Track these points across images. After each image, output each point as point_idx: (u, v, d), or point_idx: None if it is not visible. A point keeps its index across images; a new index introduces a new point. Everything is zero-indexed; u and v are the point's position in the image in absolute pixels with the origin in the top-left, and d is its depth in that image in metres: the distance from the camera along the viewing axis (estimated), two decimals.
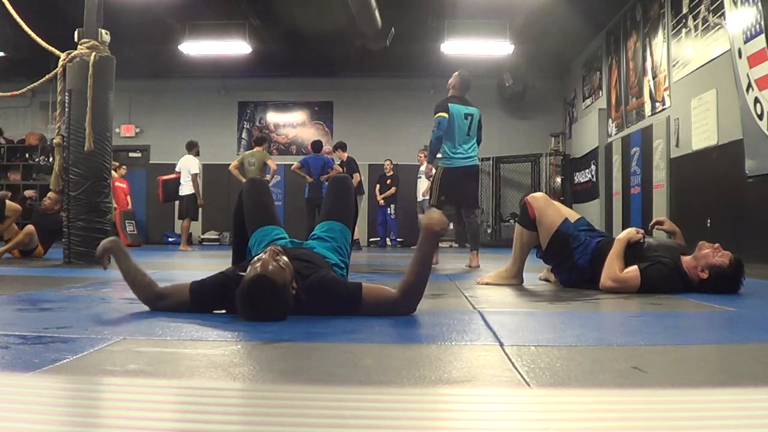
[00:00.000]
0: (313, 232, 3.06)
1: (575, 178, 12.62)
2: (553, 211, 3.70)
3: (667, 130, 8.42)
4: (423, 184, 12.04)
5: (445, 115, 5.83)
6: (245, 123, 14.55)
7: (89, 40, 5.81)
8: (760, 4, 5.87)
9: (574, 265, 3.61)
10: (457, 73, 6.16)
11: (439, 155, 6.05)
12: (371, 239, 13.63)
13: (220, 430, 1.03)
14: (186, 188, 10.09)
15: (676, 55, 8.26)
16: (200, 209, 10.60)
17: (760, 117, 5.95)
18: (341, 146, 11.09)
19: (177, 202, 10.51)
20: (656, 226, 4.00)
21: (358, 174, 10.80)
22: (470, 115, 5.99)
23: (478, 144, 6.15)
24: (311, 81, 14.02)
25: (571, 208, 4.03)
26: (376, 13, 9.42)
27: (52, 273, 4.77)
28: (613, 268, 3.37)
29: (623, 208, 9.94)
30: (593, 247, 3.59)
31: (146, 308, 2.65)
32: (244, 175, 10.10)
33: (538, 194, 3.86)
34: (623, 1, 9.99)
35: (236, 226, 3.18)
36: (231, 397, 1.35)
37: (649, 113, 9.19)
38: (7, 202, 6.89)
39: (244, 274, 2.34)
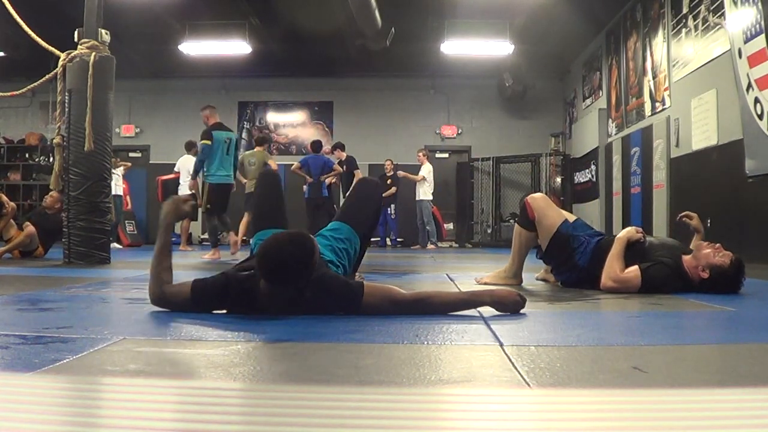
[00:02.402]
0: (320, 230, 3.07)
1: (575, 178, 12.62)
2: (552, 212, 3.71)
3: (667, 130, 8.42)
4: (422, 184, 12.07)
5: (209, 142, 7.31)
6: (245, 123, 14.54)
7: (89, 40, 5.80)
8: (760, 4, 5.87)
9: (574, 266, 3.60)
10: (206, 106, 7.75)
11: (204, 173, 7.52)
12: (371, 239, 13.63)
13: (220, 430, 1.03)
14: (185, 188, 10.08)
15: (676, 55, 8.26)
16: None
17: (760, 117, 5.95)
18: (340, 146, 11.15)
19: None
20: (684, 219, 3.88)
21: (359, 171, 10.89)
22: (229, 139, 7.54)
23: (235, 166, 7.77)
24: (311, 81, 14.01)
25: (571, 208, 4.01)
26: (376, 13, 9.42)
27: (52, 273, 4.77)
28: (613, 268, 3.37)
29: (623, 208, 9.94)
30: (593, 246, 3.58)
31: (146, 308, 2.65)
32: (244, 175, 10.10)
33: (538, 195, 3.87)
34: (623, 1, 9.99)
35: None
36: (231, 397, 1.35)
37: (649, 113, 9.19)
38: (4, 198, 6.89)
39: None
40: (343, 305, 2.41)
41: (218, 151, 7.36)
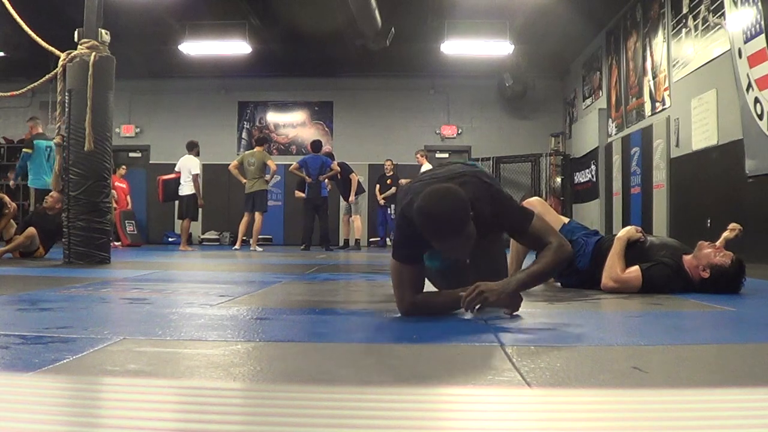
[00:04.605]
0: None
1: (575, 178, 12.62)
2: (550, 217, 3.65)
3: (667, 130, 8.42)
4: None
5: (30, 150, 8.38)
6: (245, 123, 14.54)
7: (89, 40, 5.80)
8: (760, 4, 5.87)
9: (575, 270, 3.58)
10: (31, 118, 8.88)
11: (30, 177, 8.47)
12: (371, 239, 13.63)
13: (220, 430, 1.03)
14: (186, 188, 10.05)
15: (676, 55, 8.26)
16: (200, 209, 10.58)
17: (760, 117, 5.95)
18: (329, 156, 11.16)
19: (177, 202, 10.49)
20: (737, 232, 3.84)
21: (354, 175, 10.93)
22: (50, 146, 8.24)
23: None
24: (311, 81, 14.01)
25: (571, 208, 4.00)
26: (376, 13, 9.42)
27: (52, 273, 4.77)
28: (614, 269, 3.36)
29: (623, 208, 9.94)
30: (592, 247, 3.57)
31: (146, 308, 2.65)
32: (243, 175, 10.08)
33: (534, 199, 3.78)
34: (623, 1, 9.99)
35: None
36: (231, 397, 1.35)
37: (649, 113, 9.19)
38: (6, 198, 6.90)
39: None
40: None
41: (40, 157, 8.39)
